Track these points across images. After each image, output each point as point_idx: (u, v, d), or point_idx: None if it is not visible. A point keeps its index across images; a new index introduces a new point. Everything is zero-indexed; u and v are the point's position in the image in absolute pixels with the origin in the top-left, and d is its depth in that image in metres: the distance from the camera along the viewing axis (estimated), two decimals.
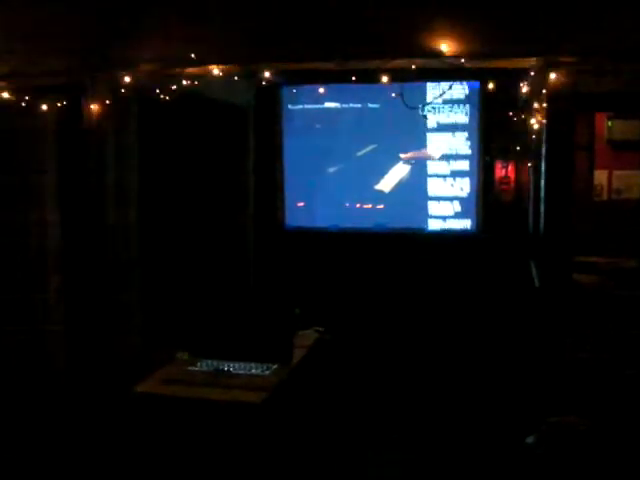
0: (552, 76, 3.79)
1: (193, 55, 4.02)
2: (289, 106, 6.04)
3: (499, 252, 5.52)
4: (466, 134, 5.75)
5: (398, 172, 5.88)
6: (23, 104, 4.23)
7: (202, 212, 5.56)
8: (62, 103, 4.30)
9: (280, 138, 6.08)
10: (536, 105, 4.24)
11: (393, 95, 4.41)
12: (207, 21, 4.09)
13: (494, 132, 5.57)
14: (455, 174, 5.80)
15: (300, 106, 6.02)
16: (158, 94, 4.35)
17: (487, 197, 5.71)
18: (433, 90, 5.57)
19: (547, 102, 3.90)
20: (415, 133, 5.81)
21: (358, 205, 5.99)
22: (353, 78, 4.26)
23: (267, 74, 4.47)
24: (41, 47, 4.21)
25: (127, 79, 4.23)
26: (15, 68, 4.23)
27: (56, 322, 4.46)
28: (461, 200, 5.80)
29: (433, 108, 5.69)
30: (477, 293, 5.49)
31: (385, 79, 4.20)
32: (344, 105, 5.94)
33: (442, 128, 5.79)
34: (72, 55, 4.22)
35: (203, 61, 4.09)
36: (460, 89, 5.70)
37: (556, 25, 3.77)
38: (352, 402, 4.48)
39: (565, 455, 3.06)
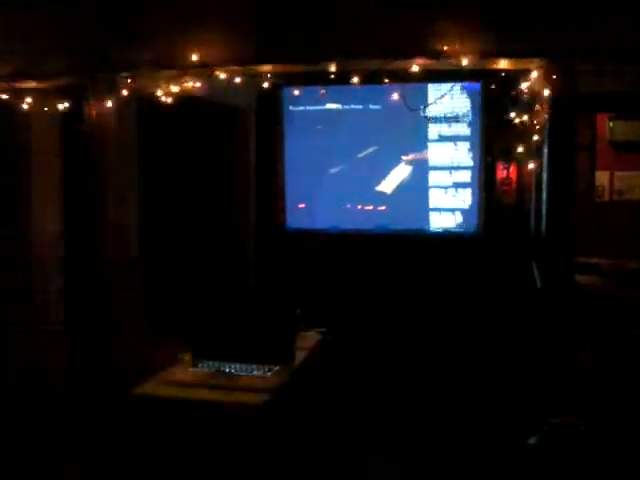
0: (553, 77, 3.79)
1: (194, 57, 4.02)
2: (290, 107, 6.03)
3: (501, 253, 5.51)
4: (468, 130, 5.74)
5: (399, 173, 5.88)
6: (24, 105, 4.23)
7: (203, 213, 5.56)
8: (63, 104, 4.30)
9: (281, 139, 6.08)
10: (537, 106, 4.24)
11: (396, 97, 4.40)
12: (208, 22, 4.09)
13: (495, 133, 5.56)
14: (456, 175, 5.80)
15: (301, 107, 6.02)
16: (159, 95, 4.35)
17: (489, 199, 5.70)
18: (434, 91, 5.56)
19: (548, 103, 3.90)
20: (416, 134, 5.81)
21: (359, 207, 5.98)
22: (355, 79, 4.26)
23: (268, 75, 4.47)
24: (41, 48, 4.22)
25: (128, 80, 4.24)
26: (16, 69, 4.24)
27: (56, 322, 4.45)
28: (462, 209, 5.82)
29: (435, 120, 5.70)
30: (478, 294, 5.48)
31: (386, 80, 4.20)
32: (345, 106, 5.94)
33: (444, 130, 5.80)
34: (73, 56, 4.23)
35: (204, 62, 4.09)
36: (463, 99, 5.69)
37: (557, 26, 3.77)
38: (354, 403, 4.48)
39: (566, 456, 3.05)
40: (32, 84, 4.24)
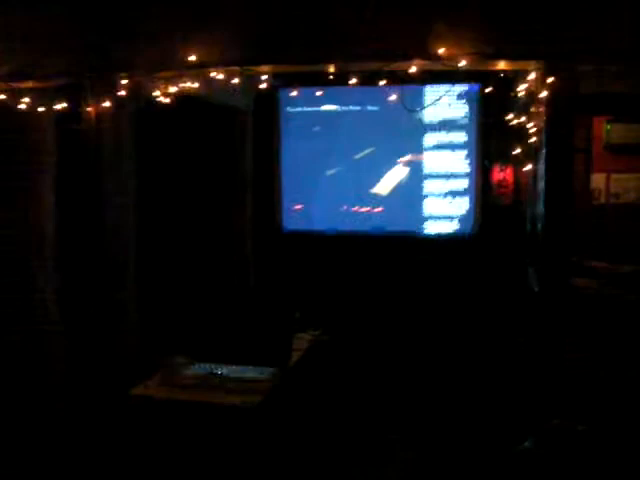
0: (551, 79, 3.79)
1: (192, 57, 4.02)
2: (287, 109, 6.03)
3: (497, 255, 5.51)
4: (466, 137, 5.75)
5: (396, 175, 5.88)
6: (22, 105, 4.22)
7: (200, 215, 5.55)
8: (61, 104, 4.29)
9: (278, 141, 6.07)
10: (535, 108, 4.25)
11: (393, 98, 4.40)
12: (206, 23, 4.09)
13: (493, 137, 5.56)
14: (453, 183, 5.81)
15: (298, 109, 6.01)
16: (156, 96, 4.34)
17: (485, 201, 5.70)
18: (432, 93, 5.57)
19: (546, 105, 3.90)
20: (413, 136, 5.81)
21: (356, 208, 5.98)
22: (352, 81, 4.26)
23: (266, 76, 4.47)
24: (40, 48, 4.21)
25: (126, 81, 4.23)
26: (14, 68, 4.23)
27: (54, 322, 4.44)
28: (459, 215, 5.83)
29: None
30: (474, 296, 5.48)
31: (384, 82, 4.20)
32: (342, 108, 5.94)
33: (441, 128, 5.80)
34: (71, 56, 4.22)
35: (202, 63, 4.09)
36: (460, 105, 5.69)
37: (555, 28, 3.77)
38: (348, 404, 4.47)
39: (563, 458, 3.05)
40: (30, 84, 4.23)
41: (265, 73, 4.62)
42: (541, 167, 4.09)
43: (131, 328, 4.60)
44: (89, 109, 4.33)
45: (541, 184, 4.13)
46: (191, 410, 3.23)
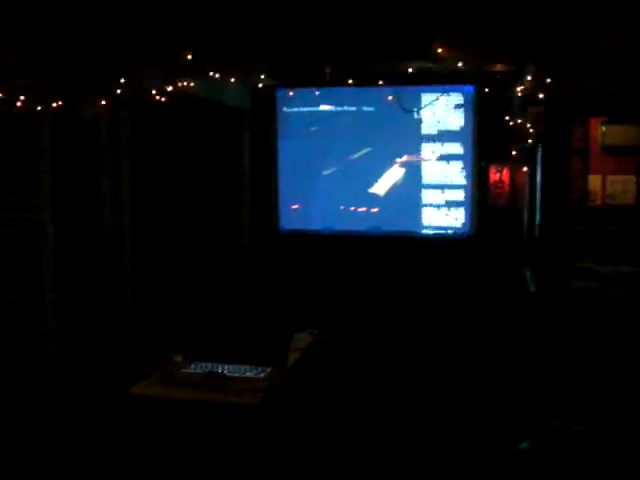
0: (548, 80, 3.81)
1: (190, 56, 4.02)
2: (284, 109, 6.02)
3: (494, 256, 5.52)
4: (462, 149, 5.76)
5: (393, 175, 5.88)
6: (18, 104, 4.21)
7: (196, 215, 5.55)
8: (57, 104, 4.28)
9: (275, 141, 6.06)
10: (531, 110, 4.26)
11: (390, 99, 4.41)
12: (205, 22, 4.09)
13: (489, 136, 5.57)
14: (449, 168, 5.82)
15: (295, 109, 6.01)
16: (153, 95, 4.34)
17: (481, 201, 5.71)
18: (428, 94, 5.57)
19: (543, 106, 3.92)
20: (410, 137, 5.81)
21: (352, 208, 5.97)
22: (349, 81, 4.27)
23: (263, 76, 4.47)
24: (38, 48, 4.20)
25: (122, 80, 4.23)
26: (11, 68, 4.22)
27: (51, 323, 4.43)
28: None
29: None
30: (471, 297, 5.49)
31: (381, 82, 4.21)
32: (339, 108, 5.93)
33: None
34: (69, 57, 4.22)
35: (199, 63, 4.09)
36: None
37: (552, 30, 3.79)
38: (347, 405, 4.47)
39: (562, 459, 3.06)
40: (27, 83, 4.22)
41: (262, 73, 4.63)
42: (538, 168, 4.11)
43: (129, 327, 4.60)
44: (86, 109, 4.33)
45: (538, 185, 4.15)
46: (190, 409, 3.23)
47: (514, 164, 5.43)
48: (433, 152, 5.78)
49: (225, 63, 4.17)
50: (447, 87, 5.41)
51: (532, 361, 4.05)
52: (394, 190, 5.87)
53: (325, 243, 5.91)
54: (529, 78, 3.93)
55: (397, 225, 5.90)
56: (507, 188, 5.61)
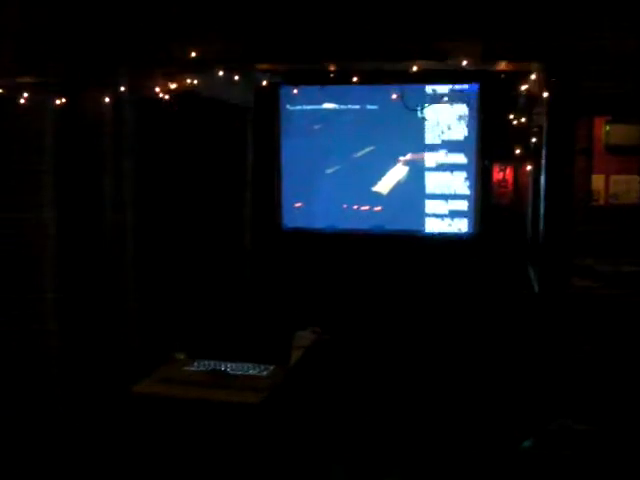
0: (552, 79, 3.80)
1: (192, 53, 4.01)
2: (288, 106, 6.02)
3: (497, 255, 5.51)
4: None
5: (396, 174, 5.88)
6: (21, 101, 4.21)
7: (199, 213, 5.54)
8: (61, 102, 4.27)
9: (278, 139, 6.06)
10: (535, 108, 4.25)
11: (394, 97, 4.40)
12: (208, 20, 4.08)
13: (493, 134, 5.56)
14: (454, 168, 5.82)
15: (299, 107, 6.00)
16: (157, 93, 4.33)
17: (485, 201, 5.70)
18: (432, 92, 5.57)
19: (547, 105, 3.91)
20: (413, 135, 5.80)
21: (356, 207, 5.97)
22: (353, 79, 4.26)
23: (266, 74, 4.47)
24: (40, 45, 4.20)
25: (126, 78, 4.22)
26: (13, 66, 4.22)
27: (53, 322, 4.43)
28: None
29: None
30: (474, 296, 5.48)
31: (384, 80, 4.20)
32: (342, 106, 5.93)
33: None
34: (71, 54, 4.21)
35: (202, 59, 4.08)
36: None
37: (557, 29, 3.78)
38: (350, 403, 4.47)
39: (563, 458, 3.06)
40: (29, 79, 4.22)
41: (266, 71, 4.62)
42: (542, 167, 4.09)
43: (132, 325, 4.59)
44: (89, 107, 4.32)
45: (542, 184, 4.14)
46: (193, 407, 3.23)
47: (517, 163, 5.42)
48: (437, 162, 5.78)
49: (229, 60, 4.16)
50: (451, 85, 5.41)
51: (534, 360, 4.04)
52: (397, 189, 5.87)
53: (328, 241, 5.91)
54: (533, 77, 3.92)
55: (400, 224, 5.90)
56: (510, 187, 5.61)
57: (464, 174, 5.73)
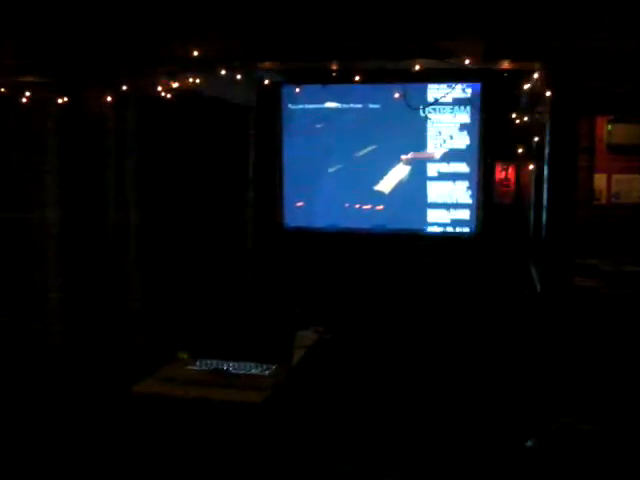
0: (555, 79, 3.79)
1: (194, 52, 4.01)
2: (290, 105, 6.02)
3: (499, 254, 5.51)
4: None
5: (398, 173, 5.88)
6: (23, 101, 4.21)
7: (201, 212, 5.55)
8: (63, 101, 4.28)
9: (280, 137, 6.06)
10: (538, 108, 4.25)
11: (396, 96, 4.40)
12: (210, 19, 4.08)
13: (495, 134, 5.55)
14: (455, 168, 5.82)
15: (301, 106, 6.00)
16: (159, 92, 4.34)
17: (487, 200, 5.70)
18: (434, 91, 5.57)
19: (550, 105, 3.90)
20: (416, 134, 5.80)
21: (357, 206, 5.97)
22: (355, 78, 4.26)
23: (268, 73, 4.47)
24: (42, 44, 4.20)
25: (127, 77, 4.22)
26: (15, 65, 4.22)
27: (56, 321, 4.44)
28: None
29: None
30: (475, 295, 5.48)
31: (386, 79, 4.20)
32: (345, 105, 5.93)
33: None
34: (73, 53, 4.21)
35: (204, 59, 4.08)
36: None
37: (558, 28, 3.77)
38: (352, 402, 4.48)
39: (568, 457, 3.06)
40: (31, 78, 4.22)
41: (268, 70, 4.62)
42: (545, 167, 4.09)
43: (135, 325, 4.60)
44: (91, 107, 4.33)
45: (544, 184, 4.14)
46: (195, 407, 3.23)
47: (520, 162, 5.42)
48: (438, 171, 5.77)
49: (231, 59, 4.16)
50: (454, 84, 5.40)
51: (537, 359, 4.04)
52: (399, 188, 5.87)
53: (330, 241, 5.91)
54: (536, 76, 3.92)
55: (402, 223, 5.90)
56: (512, 186, 5.60)
57: (466, 183, 5.74)
